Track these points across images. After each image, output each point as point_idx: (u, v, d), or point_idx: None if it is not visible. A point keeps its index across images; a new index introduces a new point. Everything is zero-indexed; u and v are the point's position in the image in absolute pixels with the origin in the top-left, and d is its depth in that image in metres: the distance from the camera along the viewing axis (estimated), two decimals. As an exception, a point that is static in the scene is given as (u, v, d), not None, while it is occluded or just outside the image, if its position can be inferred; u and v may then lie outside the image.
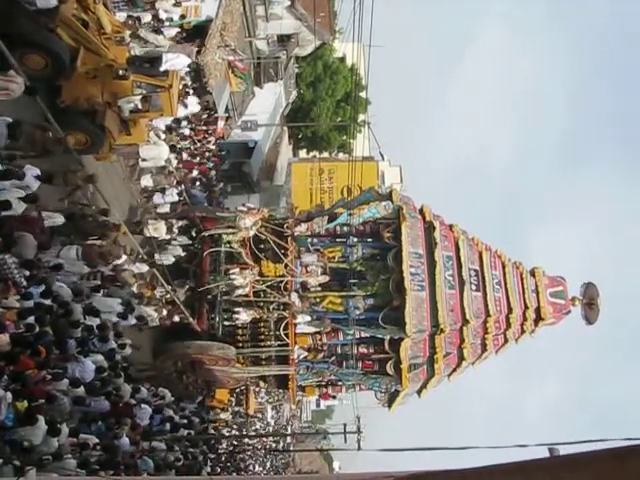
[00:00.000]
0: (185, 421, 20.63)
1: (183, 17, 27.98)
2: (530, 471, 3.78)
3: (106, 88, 17.48)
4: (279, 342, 24.18)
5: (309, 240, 25.16)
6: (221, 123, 36.36)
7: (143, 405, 16.56)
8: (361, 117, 46.11)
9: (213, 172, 32.98)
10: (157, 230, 21.79)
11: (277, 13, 43.94)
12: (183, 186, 24.62)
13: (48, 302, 13.02)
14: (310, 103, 48.56)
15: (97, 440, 12.52)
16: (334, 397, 27.92)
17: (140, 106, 18.42)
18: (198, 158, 30.69)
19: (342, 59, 49.79)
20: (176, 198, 23.89)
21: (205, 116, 32.28)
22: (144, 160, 20.63)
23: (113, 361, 15.45)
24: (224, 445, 28.64)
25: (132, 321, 18.87)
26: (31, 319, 12.00)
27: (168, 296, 21.75)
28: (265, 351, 24.32)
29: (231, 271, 23.26)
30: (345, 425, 38.40)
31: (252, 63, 41.32)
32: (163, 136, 20.93)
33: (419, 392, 26.33)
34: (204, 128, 32.43)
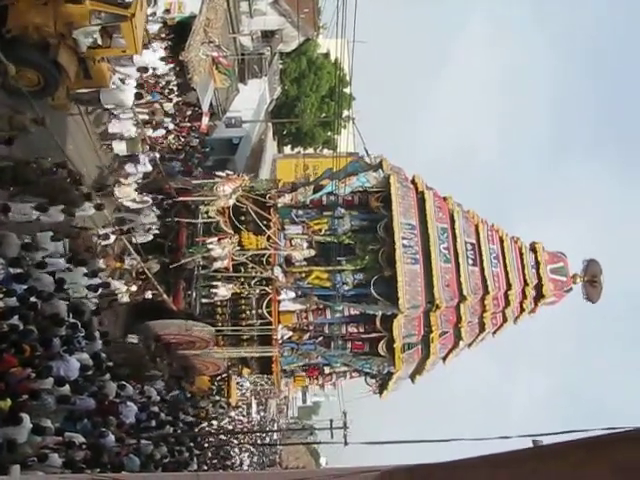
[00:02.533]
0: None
1: (167, 12, 25.54)
2: (511, 462, 3.49)
3: (59, 16, 14.28)
4: (261, 321, 20.89)
5: (294, 212, 21.94)
6: (205, 119, 33.69)
7: (129, 403, 14.87)
8: (345, 113, 43.26)
9: (199, 169, 30.12)
10: (126, 193, 18.50)
11: (261, 9, 42.32)
12: (157, 154, 21.26)
13: (32, 299, 12.04)
14: (294, 99, 45.78)
15: (83, 439, 11.57)
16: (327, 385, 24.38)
17: (100, 41, 15.19)
18: (183, 154, 27.76)
19: (326, 55, 46.94)
20: (149, 167, 20.56)
21: (189, 112, 29.54)
22: (106, 104, 17.24)
23: (98, 359, 14.04)
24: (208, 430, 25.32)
25: (96, 280, 15.72)
26: (15, 318, 11.26)
27: (139, 267, 18.50)
28: (246, 331, 21.02)
29: (209, 241, 19.95)
30: (331, 421, 35.43)
31: (236, 59, 39.10)
32: (129, 82, 17.65)
33: (412, 377, 23.12)
34: (188, 124, 29.72)
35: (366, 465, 6.12)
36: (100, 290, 15.98)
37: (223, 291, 20.12)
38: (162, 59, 21.14)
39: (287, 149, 50.51)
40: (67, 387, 11.97)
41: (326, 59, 46.91)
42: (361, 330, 21.65)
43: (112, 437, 12.48)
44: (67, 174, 15.12)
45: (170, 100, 24.39)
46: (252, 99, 41.45)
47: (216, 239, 19.89)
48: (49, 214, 13.93)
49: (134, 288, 18.42)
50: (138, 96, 18.65)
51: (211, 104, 34.70)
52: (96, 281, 15.65)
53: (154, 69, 20.79)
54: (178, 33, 25.73)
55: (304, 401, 65.36)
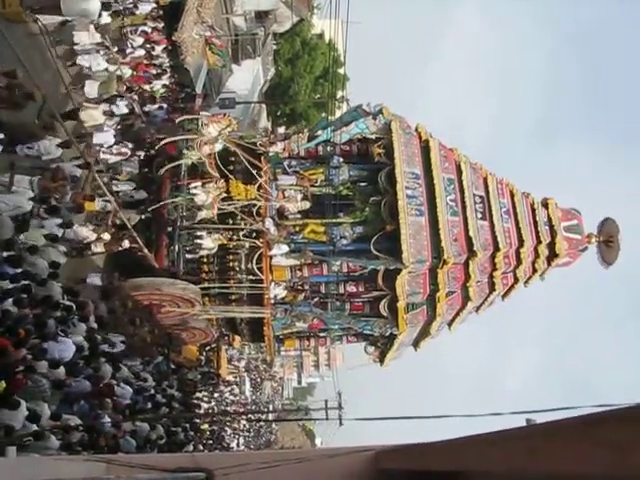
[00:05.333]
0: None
1: (160, -8, 23.44)
2: (505, 440, 3.30)
3: None
4: (251, 277, 17.75)
5: (286, 161, 18.86)
6: (199, 101, 31.04)
7: (123, 385, 13.95)
8: (340, 94, 40.43)
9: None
10: (92, 116, 15.41)
11: (254, -11, 39.04)
12: (136, 97, 18.16)
13: (26, 282, 11.05)
14: (288, 80, 42.96)
15: (79, 421, 10.94)
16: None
17: None
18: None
19: (320, 35, 44.06)
20: (125, 110, 17.50)
21: (182, 94, 27.01)
22: (67, 15, 14.05)
23: (93, 342, 12.94)
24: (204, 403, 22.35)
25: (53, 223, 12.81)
26: (9, 302, 10.34)
27: (116, 216, 15.39)
28: (235, 289, 17.88)
29: (192, 185, 16.82)
30: (326, 401, 32.68)
31: (229, 40, 36.78)
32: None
33: (416, 343, 20.04)
34: (181, 106, 27.08)
35: (361, 445, 5.72)
36: (61, 232, 13.05)
37: (209, 242, 16.99)
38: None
39: (281, 130, 47.55)
40: (62, 370, 11.04)
41: (320, 40, 44.09)
42: (361, 289, 18.61)
43: (108, 419, 11.85)
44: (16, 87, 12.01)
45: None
46: (246, 80, 39.24)
47: (200, 183, 16.77)
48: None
49: (107, 237, 15.28)
50: (106, 7, 15.56)
51: (204, 85, 32.55)
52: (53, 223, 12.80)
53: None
54: (170, 13, 24.11)
55: (299, 382, 62.46)
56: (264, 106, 42.98)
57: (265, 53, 41.62)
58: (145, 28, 22.93)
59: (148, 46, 23.52)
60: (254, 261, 17.68)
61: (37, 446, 9.15)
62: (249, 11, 39.07)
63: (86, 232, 14.66)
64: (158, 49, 24.58)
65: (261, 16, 40.92)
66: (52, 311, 11.65)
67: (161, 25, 23.75)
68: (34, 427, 9.41)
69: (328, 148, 18.91)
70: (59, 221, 13.14)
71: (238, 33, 37.93)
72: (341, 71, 41.31)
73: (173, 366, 19.94)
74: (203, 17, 29.41)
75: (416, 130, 19.30)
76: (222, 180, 17.06)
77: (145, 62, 22.81)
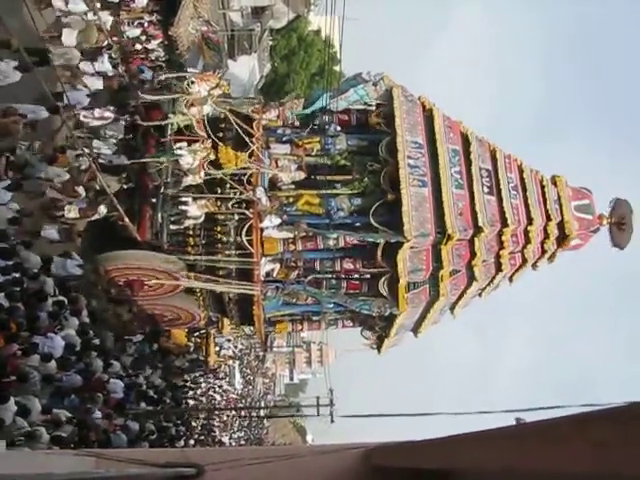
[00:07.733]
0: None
1: (156, -13, 22.50)
2: (495, 438, 3.32)
3: None
4: (240, 252, 15.71)
5: (280, 130, 16.90)
6: None
7: (113, 380, 13.41)
8: (335, 91, 38.82)
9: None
10: (68, 53, 13.52)
11: (251, -15, 37.89)
12: (118, 52, 16.22)
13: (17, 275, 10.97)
14: (284, 76, 41.35)
15: (70, 415, 10.48)
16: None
17: None
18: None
19: (317, 32, 42.49)
20: (109, 67, 15.57)
21: None
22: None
23: (85, 336, 12.75)
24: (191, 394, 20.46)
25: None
26: (1, 295, 10.14)
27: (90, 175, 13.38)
28: (223, 264, 15.83)
29: (177, 146, 14.79)
30: (318, 398, 30.93)
31: (226, 35, 35.47)
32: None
33: (416, 328, 17.99)
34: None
35: (352, 442, 5.61)
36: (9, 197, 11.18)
37: (194, 209, 14.93)
38: None
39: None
40: (53, 364, 10.88)
41: (316, 36, 42.58)
42: (358, 266, 16.60)
43: (99, 414, 11.73)
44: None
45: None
46: (242, 76, 37.84)
47: (185, 143, 14.76)
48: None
49: (82, 191, 13.20)
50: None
51: (200, 80, 30.97)
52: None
53: None
54: (167, 7, 23.54)
55: (291, 378, 60.48)
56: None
57: (261, 49, 40.42)
58: (141, 21, 21.69)
59: (143, 38, 22.36)
60: (243, 233, 15.65)
61: (28, 442, 8.88)
62: (245, 7, 37.93)
63: (58, 170, 12.63)
64: (154, 43, 23.43)
65: (258, 12, 39.77)
66: (43, 304, 11.36)
67: (157, 19, 22.59)
68: (25, 423, 9.14)
69: (325, 117, 16.95)
70: (6, 183, 11.26)
71: (234, 28, 37.25)
72: (337, 68, 39.87)
73: (156, 349, 17.94)
74: (200, 12, 28.07)
75: (419, 99, 17.36)
76: (209, 140, 15.06)
77: (141, 56, 21.62)
